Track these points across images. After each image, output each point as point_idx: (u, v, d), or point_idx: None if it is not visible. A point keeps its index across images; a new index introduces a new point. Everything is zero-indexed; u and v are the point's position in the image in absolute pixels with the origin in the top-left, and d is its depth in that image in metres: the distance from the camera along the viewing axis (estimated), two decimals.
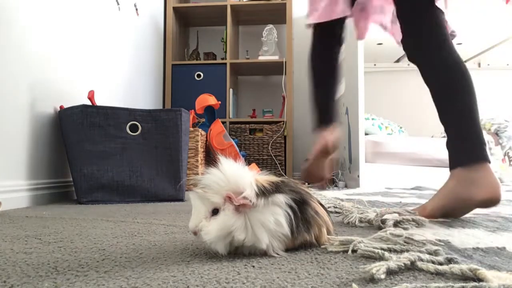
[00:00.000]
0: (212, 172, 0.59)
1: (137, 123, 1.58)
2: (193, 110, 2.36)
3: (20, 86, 1.41)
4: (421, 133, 2.99)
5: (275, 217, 0.57)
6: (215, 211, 0.58)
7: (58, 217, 1.09)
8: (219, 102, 2.48)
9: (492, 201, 0.90)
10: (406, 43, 1.05)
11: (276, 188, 0.59)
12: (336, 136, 1.19)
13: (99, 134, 1.52)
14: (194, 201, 0.60)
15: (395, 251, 0.61)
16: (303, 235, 0.61)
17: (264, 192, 0.57)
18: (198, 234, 0.58)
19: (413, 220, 0.86)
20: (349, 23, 1.26)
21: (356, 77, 2.33)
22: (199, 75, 2.99)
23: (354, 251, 0.61)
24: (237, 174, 0.58)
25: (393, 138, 2.51)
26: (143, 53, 2.69)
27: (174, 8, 3.06)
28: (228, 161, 0.60)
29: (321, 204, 0.67)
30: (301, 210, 0.60)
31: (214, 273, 0.50)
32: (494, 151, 2.41)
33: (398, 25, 1.07)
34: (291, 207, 0.59)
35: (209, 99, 2.42)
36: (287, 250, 0.61)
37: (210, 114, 2.52)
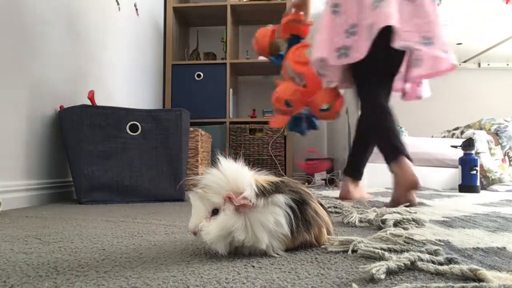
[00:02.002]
0: (212, 172, 0.59)
1: (137, 123, 1.58)
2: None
3: (20, 86, 1.41)
4: (421, 133, 2.99)
5: (274, 217, 0.57)
6: (215, 211, 0.58)
7: (58, 217, 1.09)
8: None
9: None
10: None
11: (276, 188, 0.59)
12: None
13: (99, 134, 1.52)
14: (194, 201, 0.60)
15: (395, 251, 0.61)
16: (303, 235, 0.61)
17: (263, 192, 0.57)
18: (198, 234, 0.58)
19: (413, 220, 0.86)
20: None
21: None
22: (199, 75, 2.99)
23: (354, 251, 0.61)
24: (237, 174, 0.58)
25: None
26: (143, 53, 2.69)
27: (174, 8, 3.06)
28: (228, 161, 0.60)
29: (321, 204, 0.67)
30: (301, 210, 0.60)
31: (214, 273, 0.50)
32: (494, 151, 2.40)
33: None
34: (291, 207, 0.59)
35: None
36: (287, 250, 0.61)
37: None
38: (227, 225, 0.56)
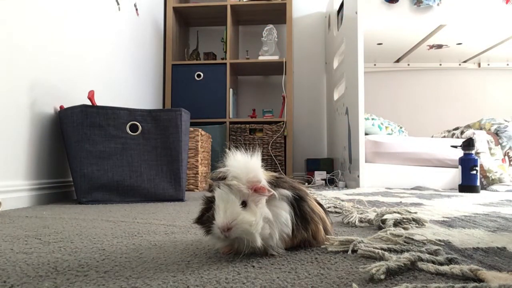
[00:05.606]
0: (234, 164, 0.57)
1: (137, 123, 1.58)
2: None
3: (20, 86, 1.41)
4: (421, 133, 2.99)
5: (285, 213, 0.57)
6: (243, 203, 0.56)
7: (58, 217, 1.09)
8: None
9: None
10: None
11: (278, 183, 0.59)
12: None
13: (99, 134, 1.52)
14: (225, 194, 0.55)
15: (395, 251, 0.60)
16: (301, 232, 0.61)
17: (274, 185, 0.57)
18: (233, 230, 0.54)
19: (413, 220, 0.86)
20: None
21: (356, 77, 2.33)
22: (199, 75, 2.99)
23: (354, 251, 0.61)
24: (252, 165, 0.57)
25: (393, 138, 2.51)
26: (143, 53, 2.69)
27: (174, 8, 3.06)
28: (237, 153, 0.58)
29: (317, 202, 0.67)
30: (299, 207, 0.60)
31: (214, 273, 0.50)
32: (494, 151, 2.40)
33: None
34: (291, 203, 0.58)
35: None
36: (286, 249, 0.61)
37: None
38: (267, 217, 0.55)
